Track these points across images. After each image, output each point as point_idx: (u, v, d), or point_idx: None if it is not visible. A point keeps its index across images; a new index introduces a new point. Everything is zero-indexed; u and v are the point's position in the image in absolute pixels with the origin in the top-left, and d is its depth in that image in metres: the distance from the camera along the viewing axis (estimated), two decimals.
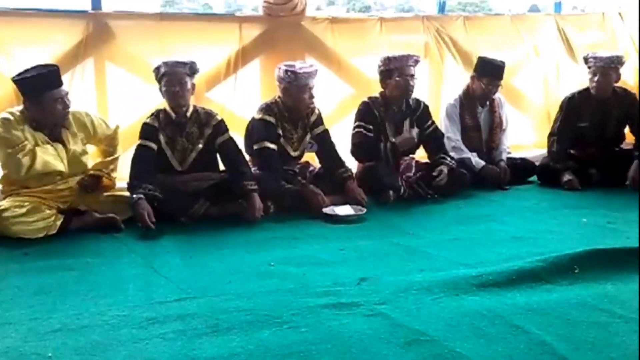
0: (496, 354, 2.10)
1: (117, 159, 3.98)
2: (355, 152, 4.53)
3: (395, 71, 4.42)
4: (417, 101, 4.64)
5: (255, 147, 4.17)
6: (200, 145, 3.98)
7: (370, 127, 4.45)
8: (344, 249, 3.32)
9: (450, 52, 5.36)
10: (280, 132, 4.23)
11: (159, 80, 3.93)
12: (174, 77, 3.86)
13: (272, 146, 4.13)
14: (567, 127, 4.85)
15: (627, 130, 5.00)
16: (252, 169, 4.12)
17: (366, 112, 4.49)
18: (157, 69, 3.93)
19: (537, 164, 5.07)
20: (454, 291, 2.64)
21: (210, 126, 4.01)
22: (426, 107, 4.69)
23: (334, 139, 4.83)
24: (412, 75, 4.46)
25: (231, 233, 3.62)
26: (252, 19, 5.01)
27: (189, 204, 3.83)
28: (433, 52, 5.33)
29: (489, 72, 4.82)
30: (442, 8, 5.69)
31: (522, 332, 2.25)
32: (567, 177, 4.71)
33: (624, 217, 3.88)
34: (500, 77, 4.85)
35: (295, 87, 4.14)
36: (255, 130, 4.24)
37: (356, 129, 4.47)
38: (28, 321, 2.38)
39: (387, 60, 4.46)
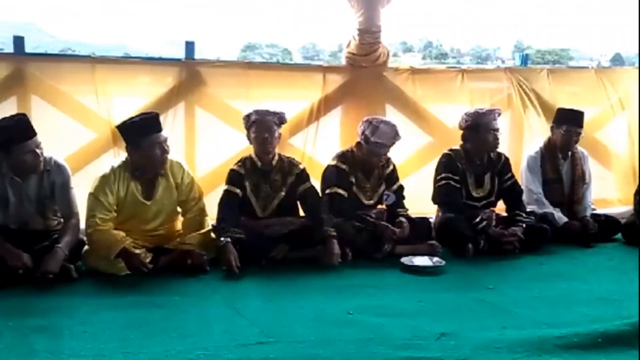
0: None
1: (209, 232, 3.96)
2: (442, 203, 4.55)
3: (481, 126, 4.44)
4: (499, 154, 4.64)
5: (326, 191, 4.27)
6: (283, 193, 4.13)
7: (457, 178, 4.47)
8: (422, 300, 3.32)
9: (532, 104, 5.32)
10: (353, 180, 4.31)
11: (248, 127, 4.10)
12: (263, 125, 4.03)
13: (342, 192, 4.22)
14: None
15: None
16: None
17: (450, 164, 4.52)
18: (247, 117, 4.11)
19: (621, 221, 4.93)
20: (537, 351, 2.60)
21: (293, 175, 4.15)
22: (507, 160, 4.68)
23: (413, 187, 4.90)
24: (497, 130, 4.47)
25: (309, 278, 3.68)
26: (336, 69, 5.16)
27: (270, 248, 3.94)
28: (515, 104, 5.30)
29: (568, 119, 4.80)
30: (524, 60, 5.67)
31: None
32: None
33: None
34: (580, 125, 4.80)
35: (370, 149, 4.23)
36: (327, 175, 4.34)
37: (443, 181, 4.50)
38: (120, 355, 2.50)
39: (473, 115, 4.49)
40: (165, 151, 3.78)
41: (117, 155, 4.48)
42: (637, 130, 5.61)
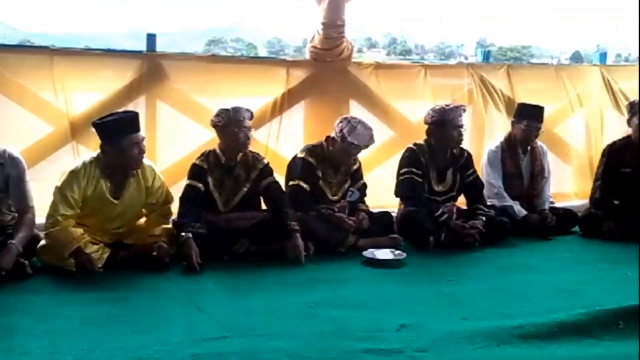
0: None
1: (171, 228, 3.96)
2: (404, 196, 4.57)
3: (447, 122, 4.47)
4: (461, 150, 4.68)
5: (289, 183, 4.27)
6: (246, 189, 4.10)
7: (419, 172, 4.50)
8: (383, 293, 3.33)
9: (493, 100, 5.39)
10: (320, 174, 4.30)
11: (224, 124, 4.01)
12: (242, 124, 4.01)
13: (305, 185, 4.21)
14: (609, 172, 4.86)
15: None
16: None
17: (413, 159, 4.54)
18: (221, 115, 4.02)
19: (579, 214, 5.03)
20: (495, 342, 2.63)
21: (257, 169, 4.12)
22: (469, 155, 4.72)
23: (375, 180, 4.92)
24: (462, 126, 4.53)
25: (272, 272, 3.66)
26: (299, 63, 5.14)
27: (232, 242, 3.92)
28: (476, 99, 5.36)
29: (528, 114, 4.86)
30: (486, 57, 5.74)
31: None
32: (607, 226, 4.68)
33: None
34: (540, 120, 4.87)
35: (344, 148, 4.23)
36: (293, 167, 4.34)
37: (406, 175, 4.51)
38: (75, 352, 2.45)
39: (440, 111, 4.51)
40: (142, 151, 3.71)
41: (76, 150, 4.41)
42: (595, 126, 5.74)
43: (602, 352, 2.56)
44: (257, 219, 4.06)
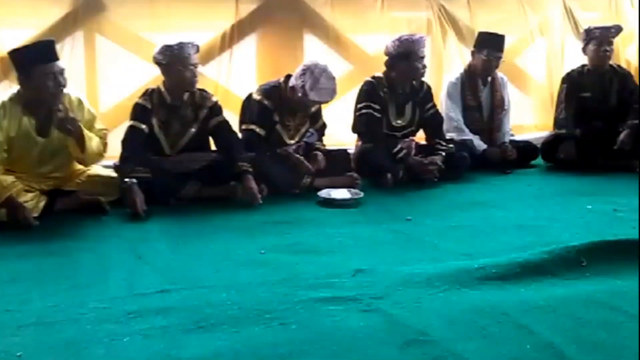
0: (500, 357, 1.96)
1: (111, 174, 3.72)
2: (362, 132, 4.40)
3: (412, 54, 4.25)
4: (421, 83, 4.49)
5: (243, 127, 4.03)
6: (194, 129, 3.82)
7: (378, 107, 4.29)
8: (338, 236, 3.16)
9: (451, 30, 5.18)
10: (277, 118, 4.06)
11: (168, 61, 3.70)
12: (188, 61, 3.70)
13: (260, 131, 3.97)
14: (571, 96, 4.84)
15: None
16: None
17: (372, 92, 4.33)
18: (165, 52, 3.71)
19: (539, 146, 4.94)
20: (456, 285, 2.49)
21: (206, 108, 3.84)
22: (429, 88, 4.54)
23: (333, 115, 4.71)
24: (424, 58, 4.31)
25: (222, 217, 3.47)
26: None
27: (179, 186, 3.69)
28: (435, 30, 5.15)
29: (488, 43, 4.71)
30: None
31: (528, 332, 2.09)
32: (567, 146, 4.66)
33: (630, 204, 3.72)
34: (500, 49, 4.73)
35: (304, 101, 3.97)
36: (248, 110, 4.07)
37: (363, 110, 4.31)
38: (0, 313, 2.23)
39: (405, 43, 4.27)
40: (59, 84, 3.36)
41: (10, 88, 4.08)
42: (555, 56, 5.60)
43: (566, 293, 2.44)
44: (207, 161, 3.81)
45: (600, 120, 4.78)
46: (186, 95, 3.80)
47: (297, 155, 4.03)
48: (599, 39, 4.74)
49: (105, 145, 3.66)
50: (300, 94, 3.90)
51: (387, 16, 5.06)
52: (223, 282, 2.51)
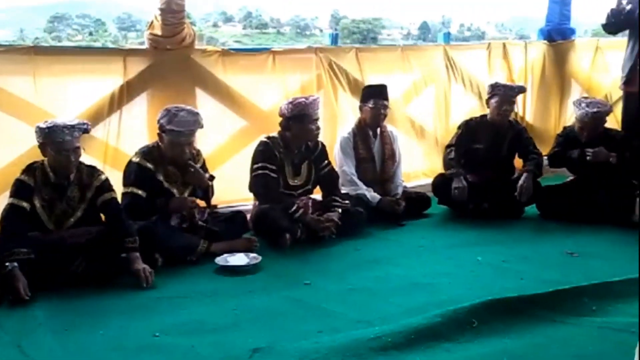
0: None
1: None
2: (259, 193, 4.37)
3: (307, 117, 4.31)
4: (316, 142, 4.54)
5: (123, 191, 3.91)
6: (80, 213, 3.62)
7: (274, 167, 4.30)
8: (236, 308, 3.12)
9: (342, 85, 5.30)
10: (161, 177, 3.98)
11: (44, 142, 3.51)
12: (69, 146, 3.49)
13: (141, 193, 3.88)
14: (463, 143, 4.97)
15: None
16: None
17: (267, 153, 4.33)
18: (37, 132, 3.53)
19: (430, 195, 5.09)
20: (353, 358, 2.53)
21: (93, 188, 3.65)
22: (323, 146, 4.61)
23: (229, 172, 4.67)
24: (317, 120, 4.40)
25: (113, 295, 3.31)
26: (137, 52, 4.72)
27: (66, 263, 3.47)
28: (326, 84, 5.24)
29: (373, 94, 4.85)
30: (334, 40, 5.64)
31: None
32: (457, 184, 4.78)
33: (517, 254, 3.94)
34: (385, 97, 4.87)
35: (170, 139, 3.93)
36: (127, 173, 3.98)
37: (259, 170, 4.30)
38: None
39: (299, 105, 4.32)
40: None
41: None
42: (441, 105, 5.86)
43: (458, 358, 2.52)
44: (93, 233, 3.61)
45: (490, 170, 4.95)
46: (72, 175, 3.61)
47: (197, 218, 3.97)
48: (501, 97, 4.91)
49: None
50: (163, 134, 3.91)
51: (278, 70, 5.11)
52: None
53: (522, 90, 5.14)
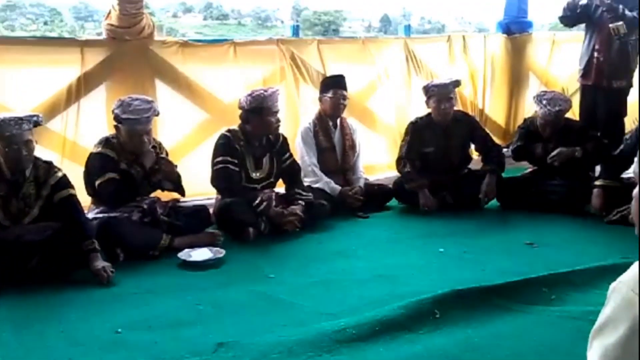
0: None
1: None
2: (221, 188, 4.33)
3: (265, 109, 4.27)
4: (277, 134, 4.52)
5: (97, 182, 3.82)
6: (36, 210, 3.50)
7: (235, 161, 4.26)
8: (200, 303, 3.09)
9: (303, 77, 5.28)
10: (125, 166, 3.91)
11: None
12: (19, 139, 3.36)
13: (114, 175, 3.82)
14: (413, 151, 4.94)
15: (473, 153, 5.24)
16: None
17: (228, 146, 4.29)
18: None
19: (391, 186, 5.12)
20: (317, 351, 2.53)
21: (49, 186, 3.53)
22: (285, 139, 4.59)
23: (192, 166, 4.62)
24: (278, 111, 4.37)
25: (73, 291, 3.24)
26: (95, 43, 4.65)
27: (23, 260, 3.38)
28: (288, 77, 5.22)
29: (331, 84, 4.88)
30: (296, 32, 5.62)
31: None
32: (423, 199, 4.79)
33: (479, 245, 4.00)
34: (343, 87, 4.89)
35: (127, 130, 3.88)
36: (91, 166, 3.91)
37: (220, 164, 4.25)
38: None
39: (258, 98, 4.27)
40: None
41: None
42: (401, 98, 5.89)
43: (423, 349, 2.56)
44: (51, 230, 3.50)
45: (445, 170, 4.95)
46: (28, 171, 3.50)
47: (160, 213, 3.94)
48: (437, 96, 4.88)
49: None
50: (119, 124, 3.86)
51: (240, 61, 5.06)
52: None
53: (456, 84, 5.04)
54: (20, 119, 3.41)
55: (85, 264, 3.44)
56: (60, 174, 3.60)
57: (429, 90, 4.95)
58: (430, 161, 4.95)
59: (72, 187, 3.64)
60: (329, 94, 4.84)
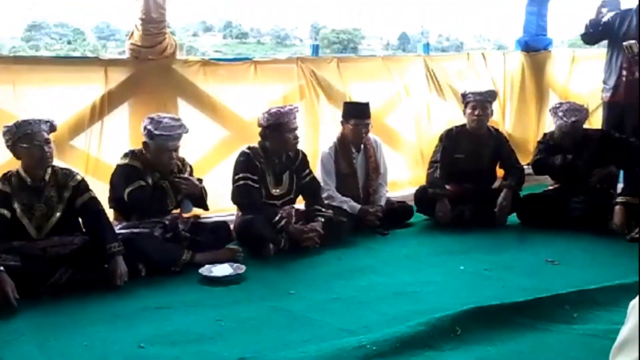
0: None
1: None
2: (242, 205, 4.37)
3: (283, 125, 4.30)
4: (297, 151, 4.55)
5: (128, 189, 3.86)
6: (59, 213, 3.62)
7: (255, 177, 4.30)
8: (221, 319, 3.11)
9: (324, 94, 5.33)
10: (150, 180, 3.97)
11: (13, 143, 3.54)
12: (40, 137, 3.52)
13: (142, 183, 3.89)
14: (446, 156, 4.99)
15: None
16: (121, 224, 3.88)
17: (248, 163, 4.33)
18: (6, 133, 3.53)
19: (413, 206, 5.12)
20: None
21: (70, 188, 3.66)
22: (304, 156, 4.62)
23: (213, 182, 4.67)
24: (297, 128, 4.40)
25: (97, 306, 3.29)
26: (118, 62, 4.74)
27: (49, 273, 3.46)
28: (307, 95, 5.27)
29: (354, 113, 4.83)
30: (315, 50, 5.67)
31: None
32: (440, 208, 4.83)
33: (499, 262, 3.98)
34: (367, 116, 4.84)
35: (157, 145, 3.93)
36: (117, 177, 3.98)
37: (241, 181, 4.29)
38: None
39: (276, 115, 4.31)
40: None
41: None
42: (422, 115, 5.91)
43: None
44: (76, 244, 3.61)
45: (471, 179, 4.98)
46: (48, 176, 3.62)
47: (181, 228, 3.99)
48: (473, 104, 4.96)
49: None
50: (150, 140, 3.91)
51: (260, 80, 5.13)
52: None
53: (492, 94, 5.11)
54: (39, 119, 3.56)
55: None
56: (79, 177, 3.74)
57: (465, 97, 5.02)
58: (460, 166, 4.98)
59: (91, 190, 3.74)
60: (351, 123, 4.79)
